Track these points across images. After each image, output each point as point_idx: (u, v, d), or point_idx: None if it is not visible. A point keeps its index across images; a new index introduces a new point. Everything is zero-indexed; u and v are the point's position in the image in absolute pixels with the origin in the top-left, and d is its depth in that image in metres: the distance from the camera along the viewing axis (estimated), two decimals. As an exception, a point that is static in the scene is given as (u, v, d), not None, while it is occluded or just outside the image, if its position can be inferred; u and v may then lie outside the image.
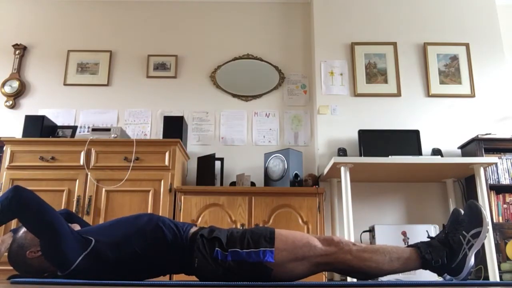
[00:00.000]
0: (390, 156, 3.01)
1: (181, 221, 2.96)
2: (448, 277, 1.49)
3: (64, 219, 1.53)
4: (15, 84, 3.83)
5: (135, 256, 1.49)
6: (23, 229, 1.57)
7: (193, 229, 1.58)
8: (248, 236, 1.49)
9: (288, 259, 1.43)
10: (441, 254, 1.46)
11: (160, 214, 2.92)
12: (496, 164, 3.25)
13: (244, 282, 1.42)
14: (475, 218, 1.50)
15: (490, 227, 1.50)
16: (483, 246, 2.88)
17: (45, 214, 1.43)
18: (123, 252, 1.48)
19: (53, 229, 1.42)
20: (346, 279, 2.82)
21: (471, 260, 1.47)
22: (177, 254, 1.51)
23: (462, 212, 1.57)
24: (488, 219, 1.53)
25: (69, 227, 1.50)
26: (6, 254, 1.58)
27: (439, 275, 1.51)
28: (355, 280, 2.67)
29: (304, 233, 1.54)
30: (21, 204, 1.41)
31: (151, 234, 1.51)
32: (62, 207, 2.98)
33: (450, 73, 3.77)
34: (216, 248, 1.45)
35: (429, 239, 1.54)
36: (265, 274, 1.43)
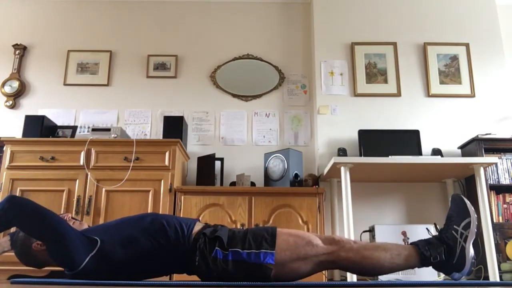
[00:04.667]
0: (390, 156, 3.01)
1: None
2: (456, 275, 1.50)
3: None
4: (15, 84, 3.83)
5: (140, 257, 1.49)
6: None
7: (197, 227, 1.57)
8: (250, 236, 1.49)
9: (291, 259, 1.44)
10: (439, 250, 1.48)
11: (160, 214, 2.94)
12: (496, 164, 3.25)
13: (244, 282, 1.42)
14: (462, 210, 1.54)
15: (476, 216, 1.55)
16: (483, 245, 2.88)
17: (45, 218, 1.41)
18: (129, 253, 1.48)
19: (56, 231, 1.41)
20: (346, 279, 2.82)
21: (470, 251, 1.49)
22: (180, 254, 1.50)
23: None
24: (473, 209, 1.57)
25: (73, 228, 1.50)
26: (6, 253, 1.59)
27: (446, 274, 1.52)
28: (355, 278, 2.68)
29: (306, 232, 1.55)
30: (17, 212, 1.39)
31: (155, 234, 1.50)
32: (62, 207, 2.98)
33: (450, 73, 3.77)
34: (216, 248, 1.45)
35: (428, 238, 1.55)
36: (264, 274, 1.43)
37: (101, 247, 1.47)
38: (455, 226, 1.52)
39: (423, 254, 1.48)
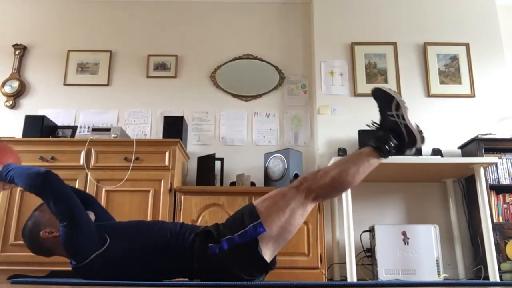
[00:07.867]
0: (390, 156, 3.01)
1: (181, 221, 2.96)
2: (412, 150, 1.66)
3: (81, 200, 1.59)
4: (15, 84, 3.83)
5: (144, 263, 1.50)
6: (43, 208, 1.62)
7: (193, 233, 1.57)
8: (232, 221, 1.52)
9: (278, 217, 1.47)
10: (388, 136, 1.63)
11: (160, 214, 2.95)
12: (496, 164, 3.25)
13: (244, 282, 1.42)
14: (384, 98, 1.71)
15: (399, 96, 1.72)
16: (483, 245, 2.88)
17: (70, 202, 1.49)
18: (132, 258, 1.49)
19: (75, 217, 1.46)
20: (346, 279, 2.82)
21: (412, 123, 1.65)
22: (180, 260, 1.51)
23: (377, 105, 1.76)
24: (392, 90, 1.73)
25: (90, 221, 1.52)
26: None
27: (404, 153, 1.67)
28: (355, 278, 2.68)
29: (277, 189, 1.58)
30: (48, 189, 1.50)
31: (160, 243, 1.52)
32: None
33: (450, 73, 3.77)
34: (210, 244, 1.46)
35: (374, 135, 1.69)
36: (256, 249, 1.44)
37: (109, 246, 1.48)
38: (388, 113, 1.67)
39: (380, 148, 1.60)
